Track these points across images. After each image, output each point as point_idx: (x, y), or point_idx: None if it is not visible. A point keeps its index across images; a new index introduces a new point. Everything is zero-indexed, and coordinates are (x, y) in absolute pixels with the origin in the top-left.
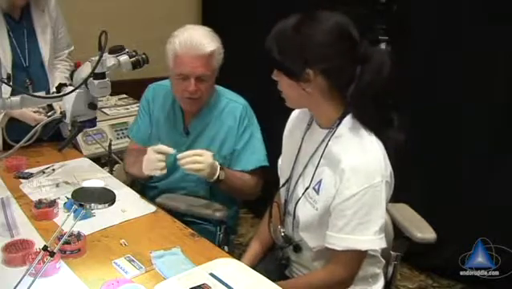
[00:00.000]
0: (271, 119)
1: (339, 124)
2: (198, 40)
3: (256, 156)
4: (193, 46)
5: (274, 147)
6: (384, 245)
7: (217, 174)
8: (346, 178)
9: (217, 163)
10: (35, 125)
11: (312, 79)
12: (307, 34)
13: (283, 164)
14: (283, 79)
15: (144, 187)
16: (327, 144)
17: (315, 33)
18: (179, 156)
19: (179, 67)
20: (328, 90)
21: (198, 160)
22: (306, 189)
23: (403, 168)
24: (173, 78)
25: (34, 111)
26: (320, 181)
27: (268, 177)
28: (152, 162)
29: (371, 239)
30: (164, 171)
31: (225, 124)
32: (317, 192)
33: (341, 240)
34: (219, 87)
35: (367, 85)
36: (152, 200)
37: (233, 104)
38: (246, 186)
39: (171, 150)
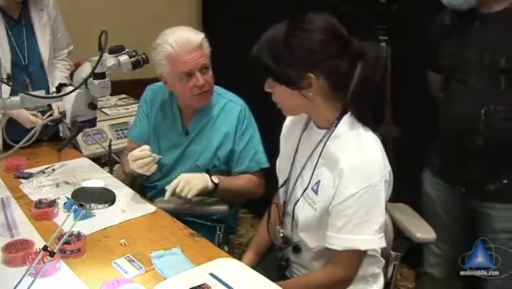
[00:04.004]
0: (271, 119)
1: (337, 124)
2: (186, 34)
3: (256, 157)
4: (186, 41)
5: (273, 147)
6: (383, 244)
7: (209, 185)
8: (344, 178)
9: (206, 176)
10: (31, 128)
11: (314, 82)
12: (301, 39)
13: (281, 165)
14: (281, 89)
15: (142, 187)
16: (324, 144)
17: (309, 36)
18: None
19: (181, 66)
20: (329, 91)
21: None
22: (305, 189)
23: (403, 167)
24: (176, 79)
25: (32, 114)
26: (319, 182)
27: (268, 177)
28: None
29: (371, 239)
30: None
31: (224, 125)
32: (316, 192)
33: (341, 240)
34: (219, 88)
35: (367, 79)
36: (150, 200)
37: (232, 105)
38: (247, 189)
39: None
